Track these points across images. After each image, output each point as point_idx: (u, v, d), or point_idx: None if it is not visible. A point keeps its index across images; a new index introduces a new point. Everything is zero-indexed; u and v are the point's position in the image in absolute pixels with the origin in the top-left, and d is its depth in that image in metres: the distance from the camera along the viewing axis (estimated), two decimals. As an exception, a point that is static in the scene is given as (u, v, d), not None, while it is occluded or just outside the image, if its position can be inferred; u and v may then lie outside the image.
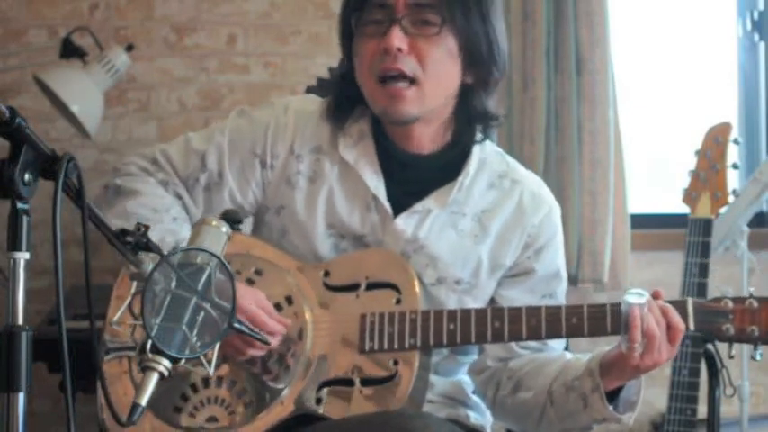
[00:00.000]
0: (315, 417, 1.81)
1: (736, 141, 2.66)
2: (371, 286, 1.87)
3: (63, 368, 1.29)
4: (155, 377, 1.43)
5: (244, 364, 1.84)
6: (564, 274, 1.98)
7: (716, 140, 2.65)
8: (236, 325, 1.68)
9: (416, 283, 1.85)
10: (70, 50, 3.02)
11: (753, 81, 3.72)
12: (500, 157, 1.97)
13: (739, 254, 2.89)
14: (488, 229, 1.90)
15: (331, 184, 1.91)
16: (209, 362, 1.58)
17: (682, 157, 2.92)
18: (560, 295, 1.97)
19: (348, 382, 1.82)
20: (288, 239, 1.94)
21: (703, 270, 2.59)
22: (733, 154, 2.66)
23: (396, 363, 1.81)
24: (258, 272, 1.91)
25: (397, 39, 1.78)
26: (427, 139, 1.89)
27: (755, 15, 3.68)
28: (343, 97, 1.92)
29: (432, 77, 1.81)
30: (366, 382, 1.81)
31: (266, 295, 1.84)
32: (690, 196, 2.65)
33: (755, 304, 1.76)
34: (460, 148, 1.91)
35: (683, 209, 2.69)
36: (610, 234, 3.27)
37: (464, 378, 2.00)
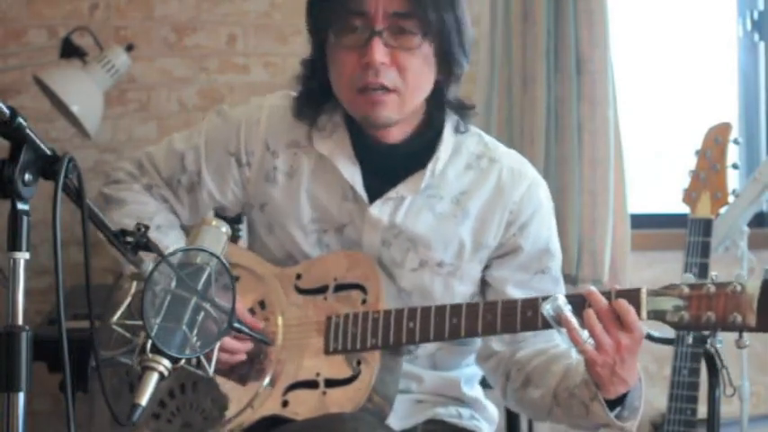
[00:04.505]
0: (281, 420, 1.80)
1: (736, 141, 2.66)
2: (339, 288, 1.86)
3: (63, 368, 1.30)
4: (155, 377, 1.43)
5: (218, 368, 1.82)
6: (555, 249, 1.93)
7: (716, 140, 2.64)
8: (236, 325, 1.68)
9: (382, 282, 1.84)
10: (70, 50, 3.02)
11: (753, 81, 3.72)
12: (477, 138, 1.94)
13: (739, 254, 2.89)
14: (468, 209, 1.89)
15: (309, 177, 1.91)
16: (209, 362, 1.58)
17: (682, 156, 2.92)
18: (555, 271, 1.93)
19: (313, 384, 1.81)
20: (274, 235, 1.95)
21: (703, 270, 2.59)
22: (733, 154, 2.66)
23: (359, 363, 1.80)
24: (236, 278, 1.92)
25: (380, 53, 1.77)
26: (400, 130, 1.87)
27: (755, 15, 3.68)
28: (314, 94, 1.90)
29: (411, 86, 1.81)
30: (330, 383, 1.80)
31: (241, 301, 1.83)
32: (690, 196, 2.65)
33: (713, 289, 1.66)
34: (434, 132, 1.89)
35: (683, 209, 2.69)
36: (610, 234, 3.27)
37: (463, 372, 1.98)
